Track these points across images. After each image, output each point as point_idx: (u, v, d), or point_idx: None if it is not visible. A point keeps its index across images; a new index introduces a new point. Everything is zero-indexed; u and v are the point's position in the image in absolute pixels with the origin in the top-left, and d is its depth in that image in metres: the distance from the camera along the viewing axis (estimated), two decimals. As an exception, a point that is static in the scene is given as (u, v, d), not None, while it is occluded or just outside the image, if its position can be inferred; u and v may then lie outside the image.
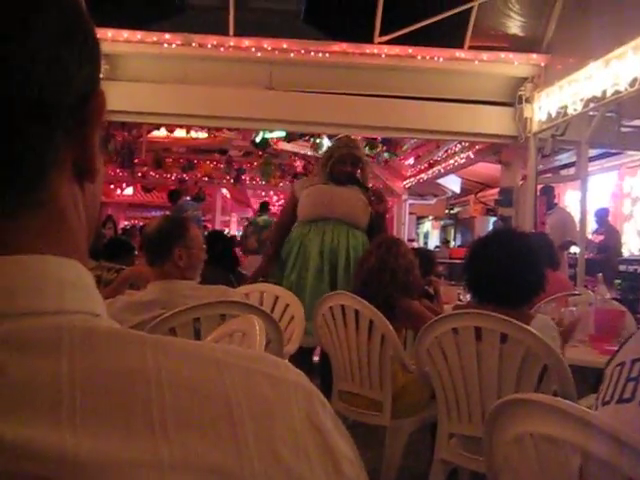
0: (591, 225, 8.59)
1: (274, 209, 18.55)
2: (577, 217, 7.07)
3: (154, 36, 6.70)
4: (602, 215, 8.77)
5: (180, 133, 10.40)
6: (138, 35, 6.66)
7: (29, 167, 0.46)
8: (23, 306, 0.43)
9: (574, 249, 7.56)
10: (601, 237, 8.80)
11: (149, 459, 0.39)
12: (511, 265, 2.49)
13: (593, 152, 8.02)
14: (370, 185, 4.29)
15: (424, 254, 4.22)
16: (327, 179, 4.15)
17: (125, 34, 6.57)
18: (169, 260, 2.51)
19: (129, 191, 15.97)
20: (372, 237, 4.07)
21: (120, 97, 6.36)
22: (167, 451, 0.40)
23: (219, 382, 0.44)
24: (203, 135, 10.50)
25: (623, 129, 7.04)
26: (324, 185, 4.13)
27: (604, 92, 5.26)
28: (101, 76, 0.54)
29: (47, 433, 0.38)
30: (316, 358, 4.08)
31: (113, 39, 6.49)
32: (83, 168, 0.52)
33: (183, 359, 0.45)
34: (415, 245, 11.87)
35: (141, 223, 15.34)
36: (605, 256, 8.15)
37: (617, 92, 5.08)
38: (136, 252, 5.14)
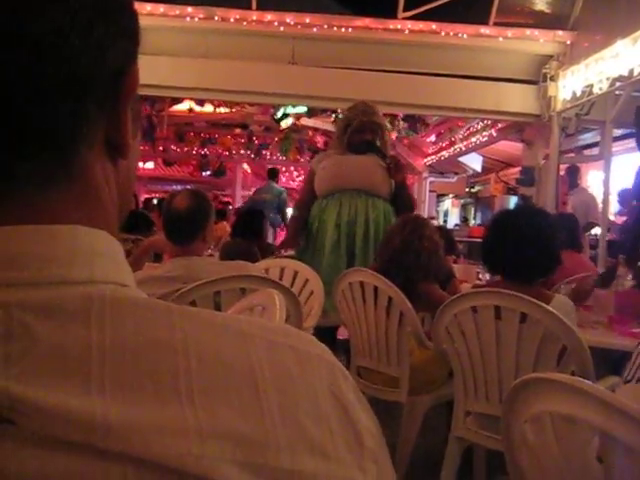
0: (614, 206, 8.49)
1: (294, 184, 18.55)
2: (600, 198, 7.00)
3: (177, 9, 6.69)
4: (625, 196, 8.66)
5: (207, 107, 10.37)
6: (161, 8, 6.65)
7: (62, 141, 0.47)
8: (55, 275, 0.44)
9: (596, 230, 7.50)
10: (624, 218, 8.70)
11: (176, 426, 0.40)
12: (524, 240, 2.48)
13: (617, 132, 7.91)
14: (390, 153, 4.12)
15: (445, 234, 4.16)
16: (345, 149, 3.98)
17: (148, 7, 6.56)
18: (199, 237, 2.51)
19: (150, 165, 16.00)
20: (397, 208, 3.96)
21: (141, 70, 6.26)
22: (193, 419, 0.40)
23: (244, 353, 0.45)
24: (226, 110, 10.47)
25: (649, 109, 6.93)
26: (339, 156, 3.98)
27: (631, 71, 5.18)
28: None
29: (77, 398, 0.39)
30: (340, 337, 4.04)
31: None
32: (115, 144, 0.52)
33: (209, 330, 0.45)
34: (435, 223, 11.83)
35: (156, 196, 15.36)
36: (628, 237, 8.06)
37: (645, 71, 5.00)
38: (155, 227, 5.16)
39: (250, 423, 0.42)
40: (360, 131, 3.95)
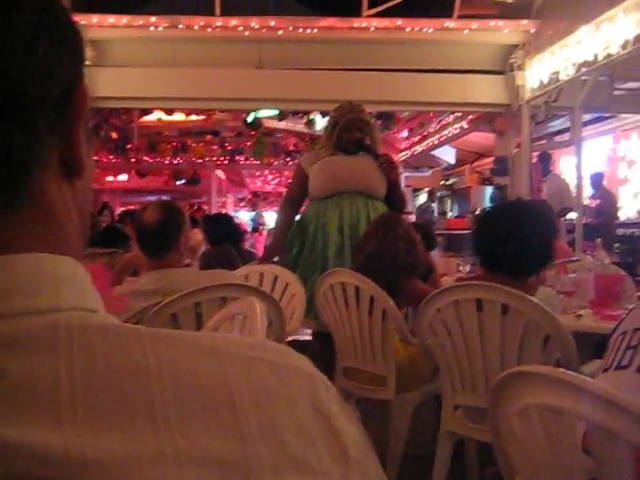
0: (587, 190, 8.57)
1: (269, 188, 18.53)
2: (573, 183, 7.06)
3: (140, 20, 6.65)
4: (597, 179, 8.76)
5: (178, 116, 10.34)
6: (124, 19, 6.61)
7: (12, 166, 0.46)
8: (19, 306, 0.43)
9: (571, 215, 7.57)
10: (597, 201, 8.80)
11: (154, 454, 0.39)
12: (521, 237, 2.48)
13: (587, 117, 8.00)
14: (381, 151, 4.00)
15: (424, 230, 4.11)
16: (335, 149, 3.88)
17: (111, 19, 6.52)
18: (173, 249, 2.47)
19: (123, 177, 15.91)
20: (389, 206, 3.87)
21: (109, 83, 6.33)
22: (171, 445, 0.39)
23: (220, 372, 0.44)
24: (200, 117, 10.45)
25: (616, 92, 7.01)
26: (334, 157, 3.87)
27: (596, 56, 5.23)
28: (86, 65, 0.53)
29: (49, 434, 0.38)
30: None
31: (99, 25, 6.45)
32: (69, 164, 0.51)
33: (183, 351, 0.44)
34: (413, 217, 11.87)
35: (131, 209, 15.28)
36: (602, 220, 8.16)
37: (609, 55, 5.05)
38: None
39: (229, 444, 0.41)
40: (348, 130, 3.86)
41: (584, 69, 5.60)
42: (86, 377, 0.40)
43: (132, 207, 16.59)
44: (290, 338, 3.43)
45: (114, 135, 10.79)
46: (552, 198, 7.12)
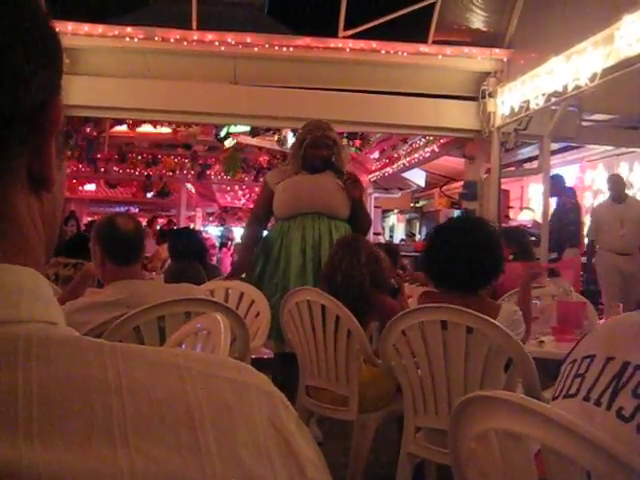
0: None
1: (239, 203, 18.50)
2: (539, 209, 7.15)
3: (116, 30, 6.61)
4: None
5: (146, 128, 10.28)
6: (99, 29, 6.56)
7: None
8: None
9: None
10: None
11: (109, 469, 0.38)
12: (462, 249, 2.52)
13: (555, 146, 8.12)
14: (346, 169, 4.05)
15: (388, 249, 4.15)
16: (301, 167, 3.92)
17: (86, 27, 6.48)
18: (139, 261, 2.48)
19: (92, 187, 15.76)
20: (354, 225, 3.92)
21: (81, 92, 6.27)
22: (127, 460, 0.39)
23: (180, 388, 0.43)
24: (168, 130, 10.41)
25: (584, 123, 7.15)
26: (298, 177, 3.91)
27: (565, 87, 5.33)
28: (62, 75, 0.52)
29: (2, 447, 0.37)
30: None
31: (73, 32, 6.40)
32: (39, 177, 0.50)
33: (143, 366, 0.44)
34: (381, 239, 11.93)
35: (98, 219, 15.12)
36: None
37: (578, 87, 5.16)
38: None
39: (186, 460, 0.40)
40: (315, 146, 3.89)
41: (554, 99, 5.71)
42: (44, 390, 0.40)
43: (98, 218, 16.43)
44: (254, 356, 3.41)
45: (84, 144, 10.69)
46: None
